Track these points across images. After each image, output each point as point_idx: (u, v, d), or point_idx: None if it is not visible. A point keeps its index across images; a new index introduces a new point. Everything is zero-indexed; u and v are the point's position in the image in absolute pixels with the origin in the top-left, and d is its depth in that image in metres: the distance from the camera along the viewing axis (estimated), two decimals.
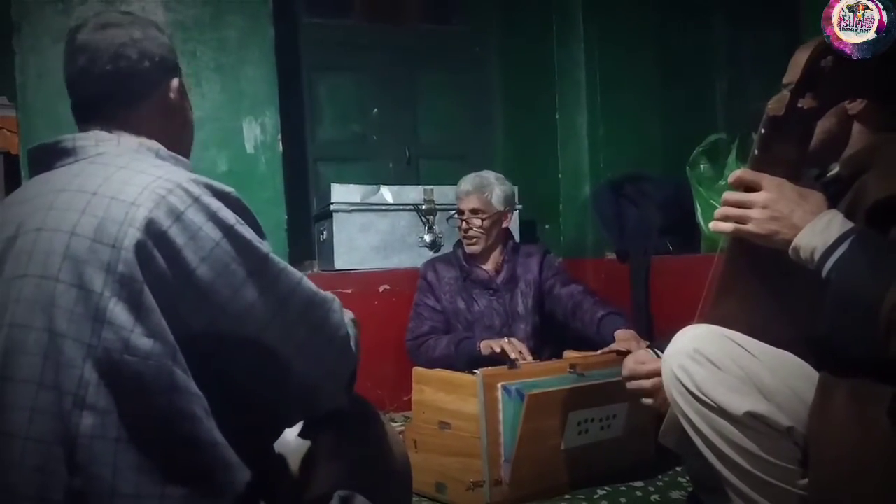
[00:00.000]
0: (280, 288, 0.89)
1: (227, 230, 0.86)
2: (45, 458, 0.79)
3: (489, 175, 2.56)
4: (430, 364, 2.27)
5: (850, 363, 1.05)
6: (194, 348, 0.84)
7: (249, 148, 2.75)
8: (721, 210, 1.14)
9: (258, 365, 0.90)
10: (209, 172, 2.65)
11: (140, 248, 0.81)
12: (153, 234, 0.82)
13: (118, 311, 0.80)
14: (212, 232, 0.85)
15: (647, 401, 1.44)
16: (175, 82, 1.05)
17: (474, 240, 2.48)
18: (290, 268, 0.91)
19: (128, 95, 0.99)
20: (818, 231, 1.05)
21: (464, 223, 2.49)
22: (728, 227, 1.13)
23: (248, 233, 0.88)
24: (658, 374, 1.37)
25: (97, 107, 0.99)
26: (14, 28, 2.50)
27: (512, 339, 2.16)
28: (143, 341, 0.80)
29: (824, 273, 1.03)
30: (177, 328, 0.83)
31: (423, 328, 2.45)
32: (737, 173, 1.14)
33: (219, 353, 0.86)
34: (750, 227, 1.10)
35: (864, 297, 0.98)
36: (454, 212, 2.60)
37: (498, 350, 2.07)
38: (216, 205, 0.87)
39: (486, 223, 2.47)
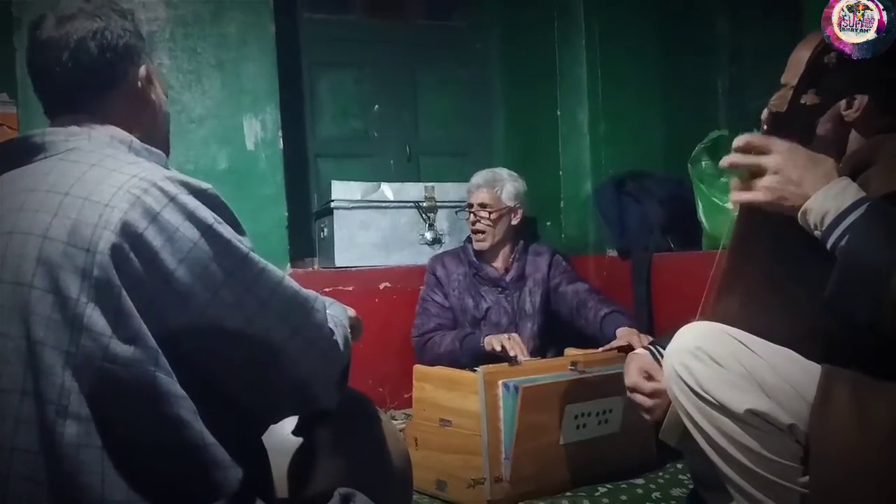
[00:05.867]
0: (260, 288, 0.87)
1: (205, 230, 0.84)
2: (32, 467, 0.78)
3: (502, 171, 2.61)
4: (435, 360, 2.29)
5: (852, 339, 1.04)
6: (177, 349, 0.82)
7: (250, 145, 2.74)
8: (735, 181, 1.09)
9: (239, 365, 0.88)
10: (210, 169, 2.66)
11: (116, 251, 0.79)
12: (129, 236, 0.80)
13: (95, 318, 0.78)
14: (189, 232, 0.83)
15: (645, 416, 1.44)
16: (142, 70, 1.00)
17: (481, 235, 2.50)
18: (270, 267, 0.89)
19: (92, 89, 0.96)
20: (832, 195, 1.03)
21: (471, 216, 2.51)
22: (738, 197, 1.09)
23: (226, 232, 0.86)
24: (660, 393, 1.35)
25: (63, 102, 0.97)
26: (15, 24, 2.49)
27: (513, 335, 2.17)
28: (122, 348, 0.79)
29: (831, 240, 1.02)
30: (157, 330, 0.81)
31: (430, 325, 2.45)
32: (745, 137, 1.09)
33: (200, 353, 0.85)
34: (758, 194, 1.07)
35: (873, 264, 0.97)
36: (464, 206, 2.62)
37: (499, 348, 2.08)
38: (193, 203, 0.85)
39: (493, 217, 2.49)
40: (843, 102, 1.20)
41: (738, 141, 1.08)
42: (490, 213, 2.49)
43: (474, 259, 2.53)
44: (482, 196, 2.52)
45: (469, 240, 2.60)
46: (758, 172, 1.06)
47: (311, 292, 0.95)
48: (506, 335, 2.16)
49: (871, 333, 1.01)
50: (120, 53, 0.97)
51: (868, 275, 0.98)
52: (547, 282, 2.52)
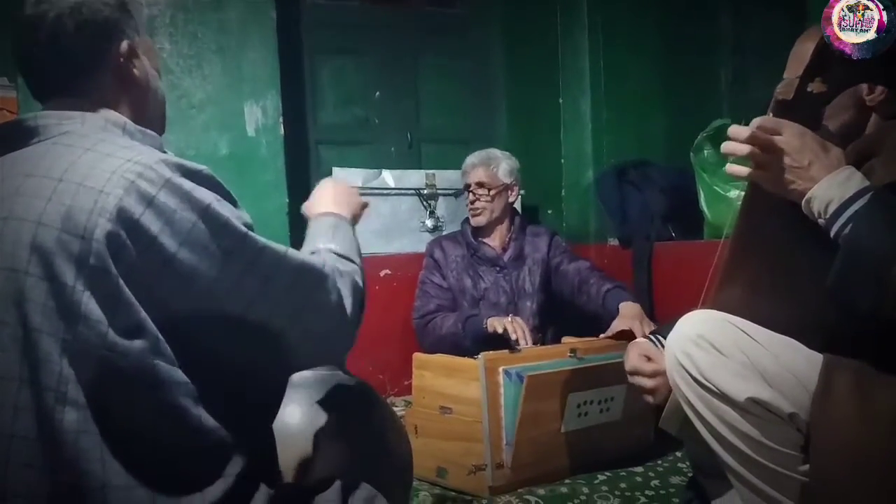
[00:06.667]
0: (264, 263, 0.87)
1: (203, 210, 0.83)
2: (32, 454, 0.78)
3: (495, 150, 2.62)
4: (438, 342, 2.32)
5: (853, 326, 1.04)
6: (181, 333, 0.82)
7: (251, 131, 2.73)
8: (742, 147, 1.07)
9: (250, 341, 0.88)
10: (210, 155, 2.65)
11: (111, 238, 0.79)
12: (125, 222, 0.79)
13: (92, 306, 0.78)
14: (187, 214, 0.82)
15: (648, 398, 1.44)
16: (123, 46, 0.96)
17: (479, 211, 2.51)
18: (272, 243, 0.89)
19: (73, 68, 0.94)
20: (836, 184, 1.03)
21: (470, 195, 2.52)
22: (743, 171, 1.09)
23: (225, 211, 0.85)
24: (661, 373, 1.36)
25: (47, 83, 0.95)
26: (13, 8, 2.47)
27: (515, 318, 2.18)
28: (120, 336, 0.78)
29: (834, 229, 1.02)
30: (160, 315, 0.81)
31: (430, 306, 2.47)
32: (758, 121, 1.08)
33: (208, 333, 0.85)
34: (766, 173, 1.07)
35: (876, 252, 0.97)
36: (461, 189, 2.64)
37: (500, 330, 2.09)
38: (189, 185, 0.84)
39: (491, 194, 2.51)
40: (864, 87, 1.20)
41: (753, 124, 1.07)
42: (488, 189, 2.51)
43: (472, 240, 2.54)
44: (479, 175, 2.53)
45: (467, 221, 2.61)
46: (768, 151, 1.06)
47: (317, 259, 0.94)
48: (508, 318, 2.17)
49: (873, 321, 1.01)
50: (99, 29, 0.94)
51: (870, 262, 0.98)
52: (547, 261, 2.53)
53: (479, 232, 2.56)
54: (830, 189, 1.03)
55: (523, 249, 2.54)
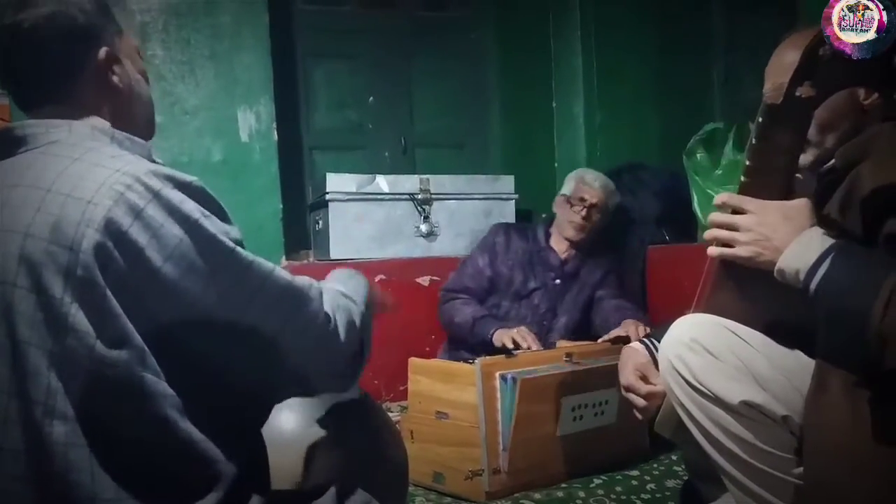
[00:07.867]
0: (249, 281, 0.86)
1: (191, 225, 0.82)
2: (22, 467, 0.77)
3: (612, 182, 2.65)
4: (449, 325, 2.45)
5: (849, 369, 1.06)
6: (168, 345, 0.82)
7: (244, 136, 2.73)
8: (710, 232, 1.16)
9: (234, 357, 0.88)
10: (204, 161, 2.65)
11: (99, 250, 0.78)
12: (113, 234, 0.79)
13: (80, 318, 0.77)
14: (174, 228, 0.81)
15: (637, 415, 1.44)
16: (102, 52, 0.94)
17: (584, 227, 2.52)
18: (259, 259, 0.88)
19: (56, 77, 0.92)
20: (799, 253, 1.06)
21: (583, 210, 2.52)
22: (715, 251, 1.16)
23: (212, 226, 0.84)
24: (657, 396, 1.36)
25: (32, 93, 0.94)
26: None
27: (520, 329, 2.25)
28: (107, 348, 0.78)
29: (811, 294, 1.05)
30: (146, 327, 0.80)
31: (459, 285, 2.52)
32: (722, 197, 1.16)
33: (193, 348, 0.84)
34: (735, 250, 1.12)
35: (852, 312, 0.99)
36: (566, 196, 2.59)
37: (511, 345, 2.16)
38: (178, 198, 0.82)
39: (600, 219, 2.55)
40: (861, 92, 1.21)
41: (717, 199, 1.17)
42: (599, 215, 2.55)
43: (542, 240, 2.56)
44: (598, 196, 2.55)
45: (547, 225, 2.61)
46: (731, 230, 1.12)
47: (305, 281, 0.93)
48: (514, 330, 2.24)
49: (870, 370, 1.02)
50: (76, 37, 0.92)
51: (848, 322, 1.01)
52: (594, 289, 2.56)
53: (551, 239, 2.58)
54: (795, 259, 1.06)
55: (581, 270, 2.56)
